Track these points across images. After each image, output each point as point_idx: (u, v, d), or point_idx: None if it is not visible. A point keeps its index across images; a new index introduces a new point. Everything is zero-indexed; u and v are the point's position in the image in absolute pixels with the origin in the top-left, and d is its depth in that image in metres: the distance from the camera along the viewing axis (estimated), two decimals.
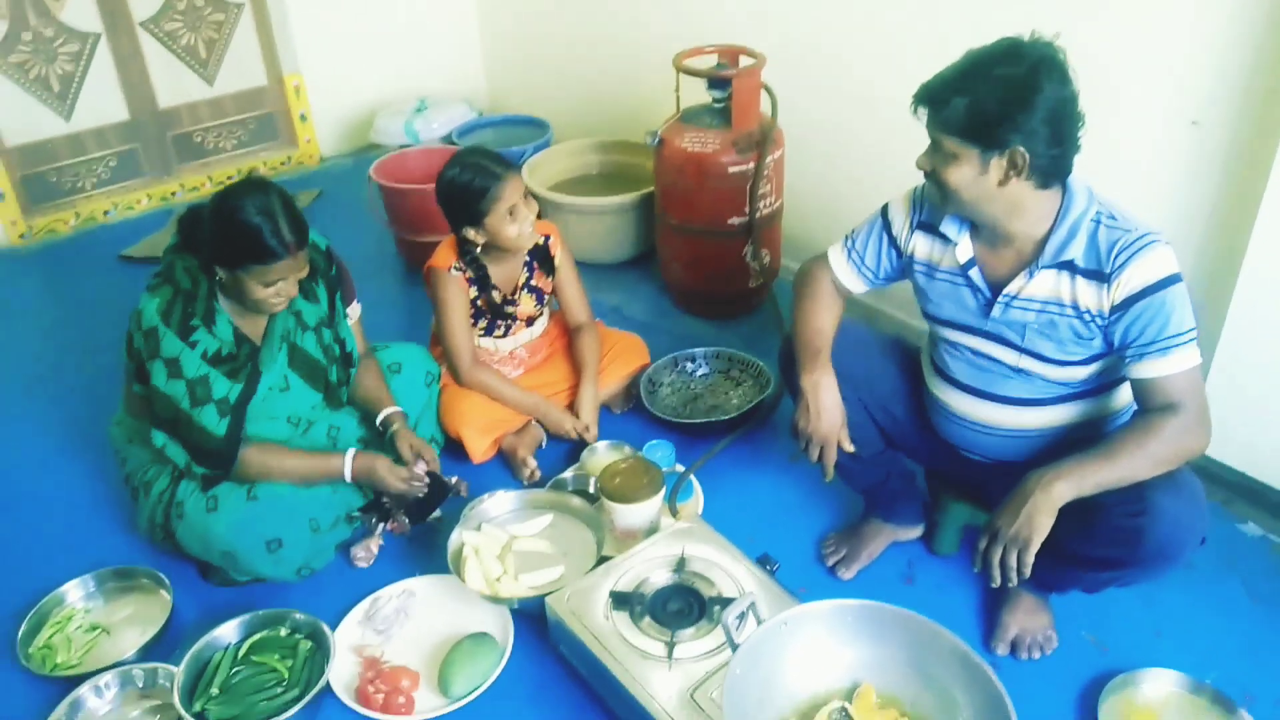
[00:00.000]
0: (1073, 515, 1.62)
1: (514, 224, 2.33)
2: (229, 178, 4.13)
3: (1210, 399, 1.65)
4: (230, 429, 1.98)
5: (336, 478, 2.10)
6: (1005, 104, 1.53)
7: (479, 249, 2.41)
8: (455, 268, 2.42)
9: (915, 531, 2.19)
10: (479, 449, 2.44)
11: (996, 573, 1.66)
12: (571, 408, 2.52)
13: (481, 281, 2.46)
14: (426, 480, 2.13)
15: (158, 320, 1.93)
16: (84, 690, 1.89)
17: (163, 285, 1.97)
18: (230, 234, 1.86)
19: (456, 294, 2.43)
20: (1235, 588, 2.06)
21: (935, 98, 1.60)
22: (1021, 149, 1.55)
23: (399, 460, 2.13)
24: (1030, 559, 1.62)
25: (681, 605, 1.84)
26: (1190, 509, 1.62)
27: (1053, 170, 1.60)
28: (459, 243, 2.42)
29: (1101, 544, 1.68)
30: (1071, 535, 1.66)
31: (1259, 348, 2.09)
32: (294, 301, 2.08)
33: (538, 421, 2.53)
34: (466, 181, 2.31)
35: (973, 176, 1.61)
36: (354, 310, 2.28)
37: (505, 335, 2.58)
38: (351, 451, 2.11)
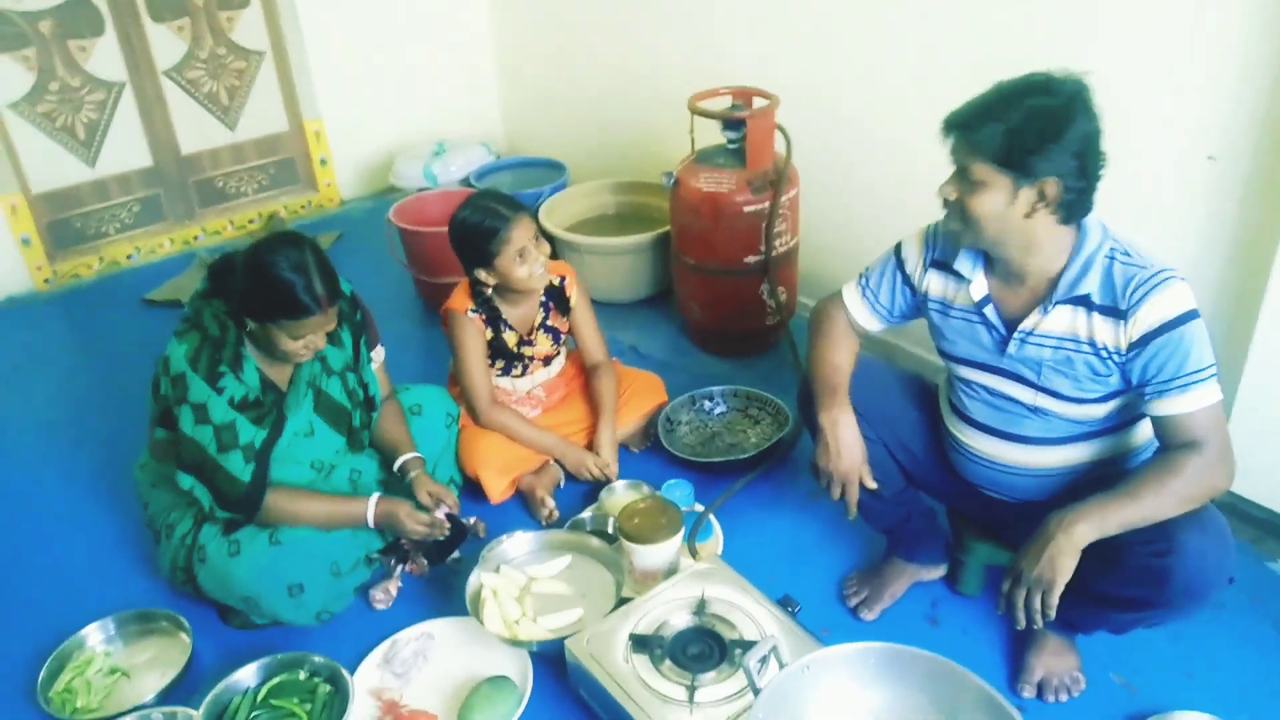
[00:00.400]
0: (1098, 555, 1.60)
1: (524, 265, 2.35)
2: (250, 221, 4.19)
3: (1235, 435, 1.64)
4: (255, 475, 1.99)
5: (359, 523, 2.11)
6: (1041, 133, 1.52)
7: (491, 290, 2.43)
8: (472, 310, 2.44)
9: (938, 571, 2.16)
10: (497, 489, 2.44)
11: (1021, 615, 1.64)
12: (590, 447, 2.52)
13: (497, 323, 2.47)
14: (448, 526, 2.12)
15: (186, 366, 1.95)
16: None
17: (191, 331, 1.99)
18: (263, 287, 1.88)
19: (473, 336, 2.44)
20: (1266, 628, 2.02)
21: (968, 123, 1.59)
22: (1053, 179, 1.55)
23: (418, 505, 2.13)
24: (1054, 601, 1.60)
25: (702, 648, 1.82)
26: (1217, 547, 1.60)
27: (1076, 205, 1.60)
28: (472, 284, 2.44)
29: (1127, 584, 1.65)
30: (1097, 575, 1.64)
31: None
32: None
33: (556, 461, 2.53)
34: (476, 223, 2.33)
35: (1000, 206, 1.60)
36: (378, 354, 2.29)
37: (523, 375, 2.59)
38: (375, 497, 2.11)
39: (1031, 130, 1.52)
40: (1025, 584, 1.62)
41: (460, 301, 2.46)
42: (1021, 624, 1.65)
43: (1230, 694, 1.88)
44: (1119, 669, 1.94)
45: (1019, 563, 1.64)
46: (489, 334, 2.47)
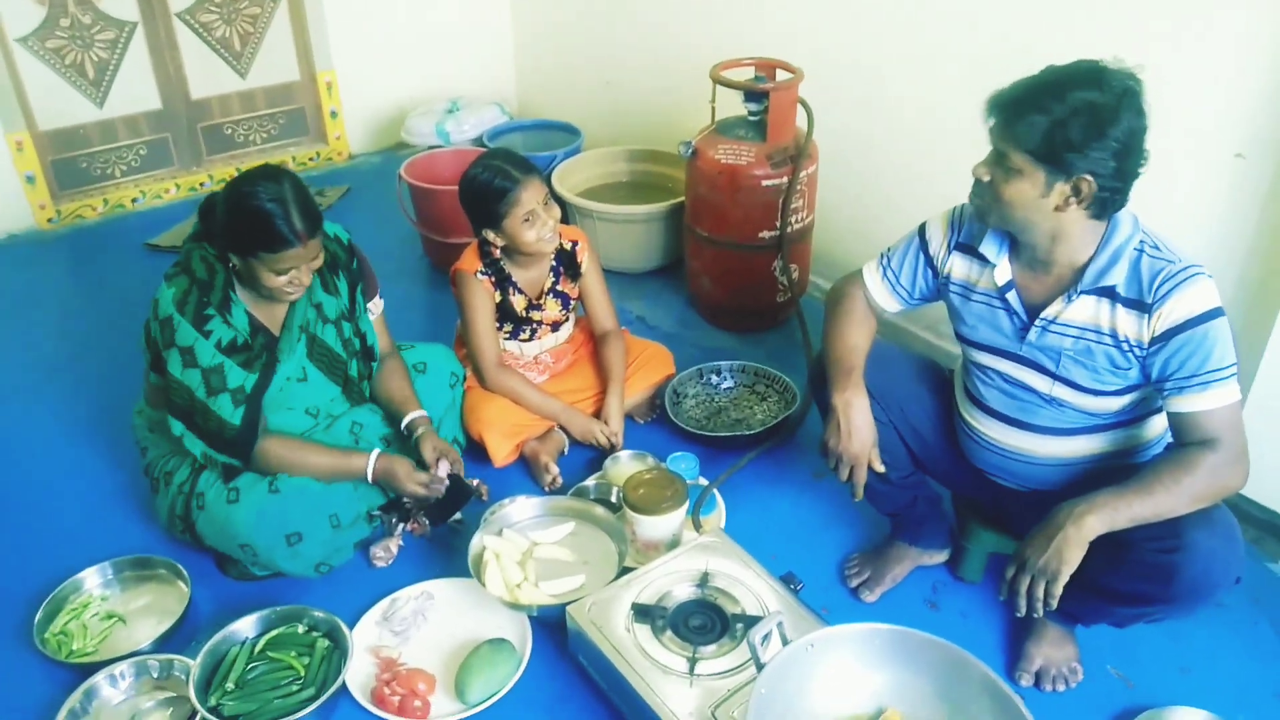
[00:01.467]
0: (1104, 548, 1.59)
1: (531, 229, 2.32)
2: (233, 178, 4.14)
3: (1246, 435, 1.63)
4: (246, 418, 1.97)
5: (358, 477, 2.10)
6: (1085, 130, 1.49)
7: (500, 251, 2.40)
8: (481, 271, 2.42)
9: (941, 556, 2.16)
10: (501, 453, 2.42)
11: (1023, 603, 1.64)
12: (598, 415, 2.51)
13: (506, 285, 2.45)
14: (446, 482, 2.11)
15: (173, 309, 1.93)
16: (99, 678, 1.88)
17: (180, 275, 1.97)
18: (242, 221, 1.87)
19: (481, 297, 2.42)
20: (1264, 628, 2.03)
21: (1012, 109, 1.55)
22: (1089, 177, 1.52)
23: (421, 464, 2.12)
24: (1058, 591, 1.60)
25: (704, 621, 1.82)
26: (1226, 546, 1.60)
27: (1110, 202, 1.58)
28: (481, 245, 2.41)
29: (1133, 579, 1.65)
30: (1102, 569, 1.63)
31: None
32: (314, 293, 2.08)
33: (561, 427, 2.52)
34: (486, 183, 2.30)
35: (1033, 196, 1.57)
36: (376, 305, 2.27)
37: (530, 339, 2.57)
38: (376, 452, 2.10)
39: (1076, 126, 1.49)
40: (1030, 571, 1.62)
41: (470, 263, 2.44)
42: (1022, 611, 1.65)
43: (1226, 692, 1.89)
44: (1117, 662, 1.95)
45: (1025, 550, 1.64)
46: (497, 296, 2.45)
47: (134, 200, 3.92)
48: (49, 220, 3.76)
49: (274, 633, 1.93)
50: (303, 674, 1.87)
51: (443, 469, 2.11)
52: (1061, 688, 1.89)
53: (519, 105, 4.59)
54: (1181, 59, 2.12)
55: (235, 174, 3.97)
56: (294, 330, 2.07)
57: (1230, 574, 1.61)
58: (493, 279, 2.44)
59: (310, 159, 4.27)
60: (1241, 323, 2.14)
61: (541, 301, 2.52)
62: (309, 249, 1.92)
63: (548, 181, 2.40)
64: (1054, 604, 1.61)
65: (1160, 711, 1.82)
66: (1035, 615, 1.65)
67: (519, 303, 2.48)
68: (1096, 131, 1.48)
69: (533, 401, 2.47)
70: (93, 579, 2.13)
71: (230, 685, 1.83)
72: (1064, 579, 1.59)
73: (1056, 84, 1.52)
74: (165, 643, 1.97)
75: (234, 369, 1.96)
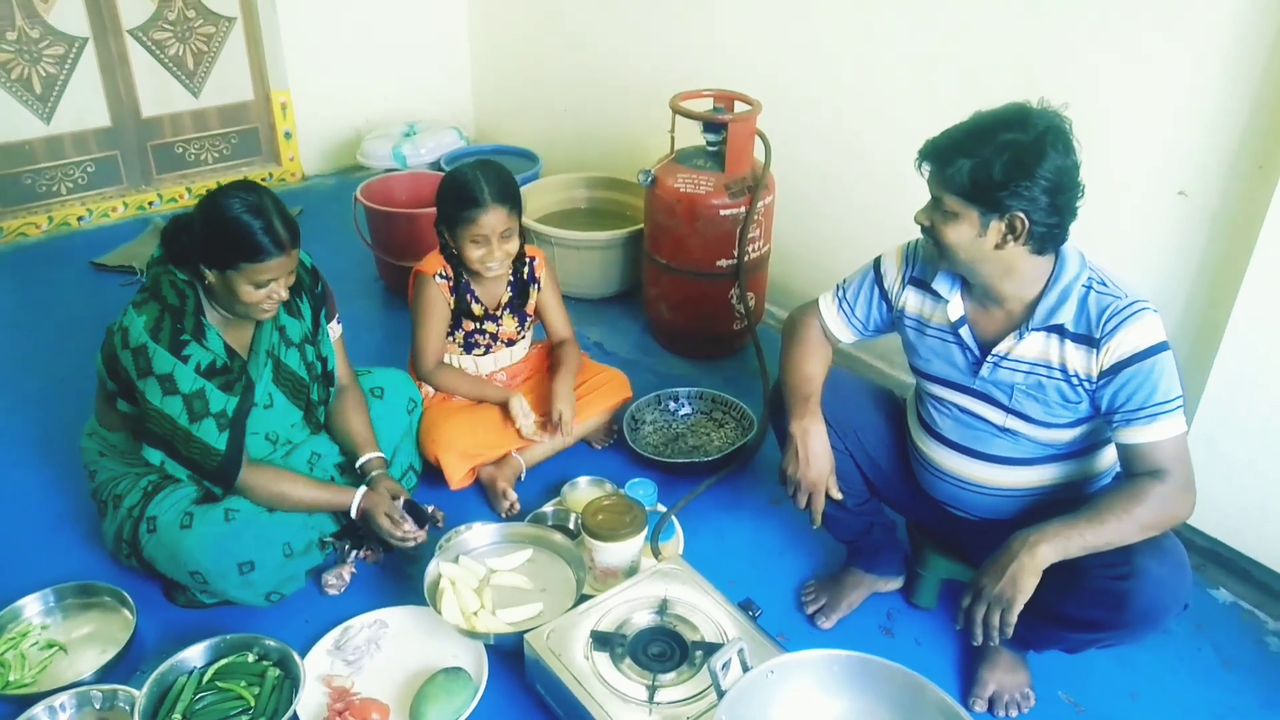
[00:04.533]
0: (1057, 576, 1.62)
1: (477, 249, 2.33)
2: (208, 191, 4.07)
3: None
4: (231, 443, 1.94)
5: (342, 510, 2.10)
6: (1009, 169, 1.54)
7: (458, 255, 2.40)
8: (440, 275, 2.41)
9: (896, 583, 2.18)
10: (457, 474, 2.40)
11: (979, 631, 1.66)
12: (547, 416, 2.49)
13: (465, 292, 2.45)
14: (419, 540, 2.09)
15: (146, 337, 1.89)
16: (38, 710, 1.81)
17: (149, 301, 1.93)
18: (221, 232, 1.84)
19: (436, 299, 2.43)
20: (1208, 653, 2.08)
21: (940, 156, 1.62)
22: (1021, 215, 1.57)
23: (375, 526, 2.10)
24: (1013, 619, 1.62)
25: (663, 648, 1.82)
26: (1175, 574, 1.63)
27: (1050, 238, 1.62)
28: (443, 244, 2.42)
29: (1085, 605, 1.68)
30: (1056, 596, 1.66)
31: (1239, 416, 2.13)
32: (279, 316, 2.05)
33: (506, 414, 2.47)
34: (459, 186, 2.31)
35: (971, 237, 1.62)
36: (335, 329, 2.25)
37: (485, 354, 2.56)
38: (362, 490, 2.10)
39: (999, 166, 1.54)
40: (986, 600, 1.64)
41: (430, 265, 2.44)
42: (979, 640, 1.67)
43: (1172, 715, 1.93)
44: (1067, 688, 1.98)
45: (980, 579, 1.66)
46: (453, 302, 2.45)
47: (80, 219, 3.84)
48: None
49: (223, 662, 1.88)
50: (252, 704, 1.82)
51: (411, 529, 2.08)
52: (1014, 713, 1.92)
53: (477, 130, 4.59)
54: (1125, 98, 2.19)
55: (185, 193, 4.00)
56: (261, 355, 2.04)
57: (1179, 600, 1.65)
58: (451, 284, 2.43)
59: (263, 179, 4.21)
60: (1185, 356, 2.21)
61: (498, 314, 2.52)
62: (290, 259, 1.90)
63: (517, 214, 2.37)
64: (1009, 632, 1.64)
65: None
66: (991, 644, 1.67)
67: (476, 310, 2.48)
68: (1021, 170, 1.53)
69: (471, 389, 2.50)
70: (33, 606, 2.06)
71: (177, 716, 1.77)
72: (1019, 606, 1.61)
73: (981, 128, 1.58)
74: (109, 673, 1.90)
75: (215, 392, 1.93)
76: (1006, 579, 1.61)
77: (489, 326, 2.52)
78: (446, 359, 2.54)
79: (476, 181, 2.29)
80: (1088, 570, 1.64)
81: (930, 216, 1.67)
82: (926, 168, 1.65)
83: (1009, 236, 1.60)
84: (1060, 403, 1.71)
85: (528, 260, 2.52)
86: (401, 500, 2.10)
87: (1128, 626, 1.66)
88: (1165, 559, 1.62)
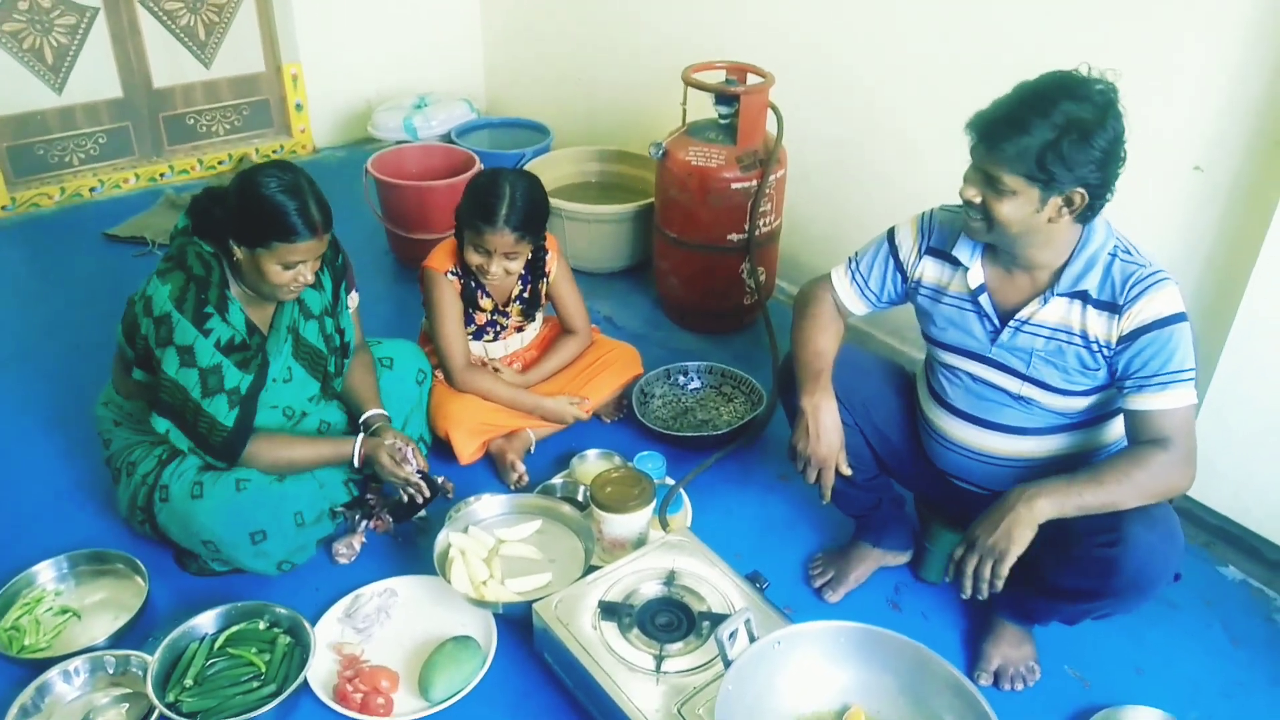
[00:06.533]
0: (1049, 546, 1.63)
1: (477, 259, 2.33)
2: (220, 162, 4.09)
3: (1200, 441, 1.67)
4: (239, 420, 1.95)
5: (345, 461, 2.10)
6: (1075, 146, 1.51)
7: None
8: (451, 272, 2.41)
9: (903, 557, 2.18)
10: (467, 450, 2.41)
11: (968, 583, 1.66)
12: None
13: (475, 290, 2.44)
14: (424, 487, 2.09)
15: (171, 307, 1.89)
16: (52, 674, 1.84)
17: (175, 270, 1.92)
18: (255, 209, 1.84)
19: (449, 297, 2.41)
20: (1216, 630, 2.08)
21: (996, 132, 1.56)
22: (1081, 190, 1.55)
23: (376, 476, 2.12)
24: (1004, 572, 1.62)
25: (670, 619, 1.83)
26: (1164, 542, 1.63)
27: (1097, 208, 1.61)
28: (460, 242, 2.41)
29: (1077, 574, 1.69)
30: (1048, 567, 1.68)
31: (1252, 392, 2.11)
32: None
33: (540, 418, 2.51)
34: (479, 194, 2.29)
35: (1028, 212, 1.59)
36: (353, 299, 2.25)
37: (495, 340, 2.56)
38: (360, 437, 2.11)
39: (1066, 144, 1.51)
40: (978, 551, 1.64)
41: (440, 261, 2.42)
42: (968, 592, 1.66)
43: (1179, 691, 1.93)
44: (1073, 662, 1.98)
45: (975, 530, 1.66)
46: (465, 297, 2.45)
47: (92, 189, 3.84)
48: (3, 208, 3.68)
49: (234, 628, 1.91)
50: (263, 670, 1.84)
51: (413, 470, 2.09)
52: (1020, 687, 1.92)
53: (488, 102, 4.57)
54: (1143, 73, 2.16)
55: (197, 165, 4.00)
56: (282, 330, 2.04)
57: (1169, 569, 1.65)
58: (462, 280, 2.43)
59: (274, 151, 4.22)
60: (1197, 332, 2.16)
61: (508, 309, 2.52)
62: (320, 243, 1.90)
63: (527, 240, 2.33)
64: (999, 585, 1.63)
65: (1116, 710, 1.85)
66: (980, 597, 1.66)
67: (486, 305, 2.47)
68: (1086, 147, 1.51)
69: (504, 397, 2.46)
70: (47, 573, 2.08)
71: (189, 681, 1.80)
72: (1011, 559, 1.61)
73: (1039, 100, 1.53)
74: (122, 639, 1.93)
75: (231, 369, 1.93)
76: (1001, 531, 1.61)
77: (499, 318, 2.52)
78: None
79: (500, 199, 2.25)
80: (1079, 538, 1.65)
81: (982, 192, 1.62)
82: (975, 141, 1.60)
83: (1065, 209, 1.59)
84: (1079, 369, 1.70)
85: (541, 252, 2.50)
86: (415, 468, 2.10)
87: (1117, 594, 1.66)
88: (1155, 526, 1.62)
